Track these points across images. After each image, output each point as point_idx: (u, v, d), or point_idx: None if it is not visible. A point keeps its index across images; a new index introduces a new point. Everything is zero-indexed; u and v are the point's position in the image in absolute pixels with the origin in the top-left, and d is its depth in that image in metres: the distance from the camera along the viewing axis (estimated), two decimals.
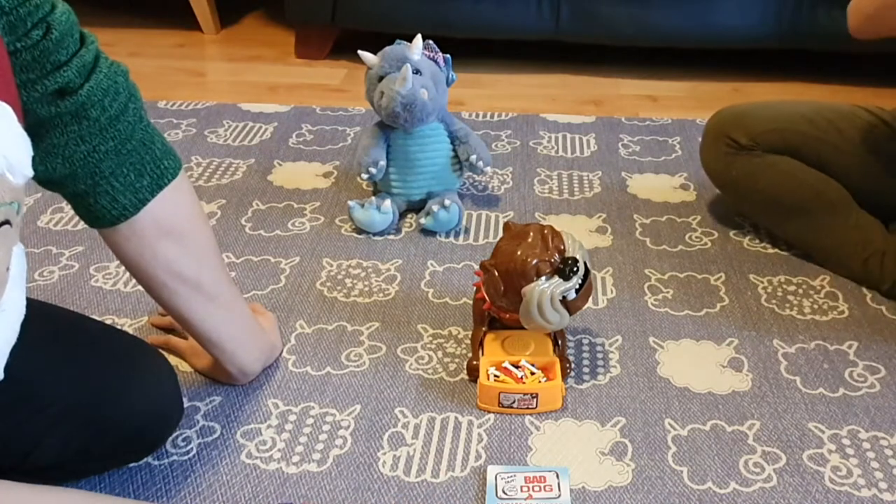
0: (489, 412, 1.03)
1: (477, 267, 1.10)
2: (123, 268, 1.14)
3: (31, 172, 0.62)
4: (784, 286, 1.29)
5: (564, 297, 1.00)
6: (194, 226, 0.93)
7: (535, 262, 1.00)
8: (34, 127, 0.76)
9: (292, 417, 1.02)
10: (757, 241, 1.42)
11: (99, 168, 0.83)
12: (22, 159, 0.61)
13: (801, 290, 1.28)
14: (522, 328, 1.05)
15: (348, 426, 1.01)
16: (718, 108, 1.45)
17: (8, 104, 0.60)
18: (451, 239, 1.41)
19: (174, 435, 0.98)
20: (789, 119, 1.35)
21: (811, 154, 1.32)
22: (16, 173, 0.59)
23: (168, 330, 1.16)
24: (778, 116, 1.36)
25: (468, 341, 1.15)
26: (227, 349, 1.01)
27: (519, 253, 1.00)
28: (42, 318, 0.79)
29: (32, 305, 0.66)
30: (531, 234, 1.02)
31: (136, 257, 0.90)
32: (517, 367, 1.05)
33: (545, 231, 1.03)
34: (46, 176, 0.82)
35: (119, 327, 1.17)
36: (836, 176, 1.31)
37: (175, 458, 0.96)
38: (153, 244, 0.89)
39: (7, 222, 0.59)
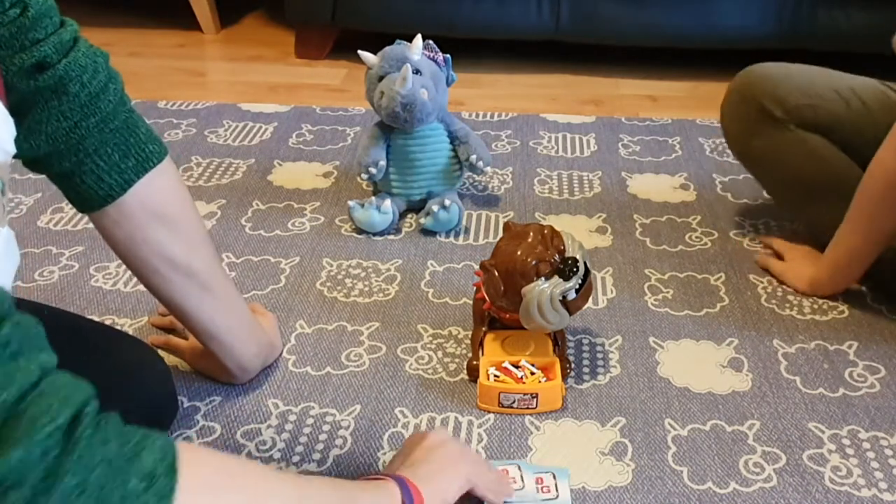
0: (489, 412, 1.03)
1: (477, 267, 1.10)
2: (124, 267, 1.13)
3: (13, 149, 0.62)
4: (784, 286, 1.29)
5: (564, 297, 1.00)
6: (183, 211, 0.94)
7: (535, 262, 1.00)
8: (17, 104, 0.77)
9: (292, 417, 1.02)
10: (757, 241, 1.41)
11: (82, 145, 0.83)
12: (3, 136, 0.61)
13: None
14: (522, 328, 1.05)
15: (348, 426, 1.01)
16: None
17: None
18: (451, 239, 1.41)
19: (174, 435, 0.98)
20: (824, 95, 1.29)
21: (842, 137, 1.28)
22: None
23: (168, 330, 1.16)
24: (812, 88, 1.30)
25: (468, 341, 1.15)
26: (224, 341, 1.00)
27: (519, 253, 1.00)
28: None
29: (22, 306, 0.66)
30: (531, 234, 1.02)
31: (127, 242, 0.90)
32: (517, 367, 1.05)
33: (545, 231, 1.02)
34: (32, 154, 0.83)
35: (119, 327, 1.17)
36: (861, 163, 1.23)
37: None
38: (143, 227, 0.89)
39: None
